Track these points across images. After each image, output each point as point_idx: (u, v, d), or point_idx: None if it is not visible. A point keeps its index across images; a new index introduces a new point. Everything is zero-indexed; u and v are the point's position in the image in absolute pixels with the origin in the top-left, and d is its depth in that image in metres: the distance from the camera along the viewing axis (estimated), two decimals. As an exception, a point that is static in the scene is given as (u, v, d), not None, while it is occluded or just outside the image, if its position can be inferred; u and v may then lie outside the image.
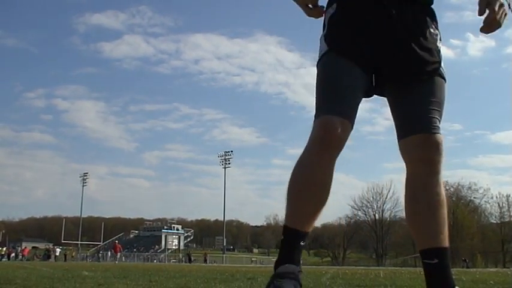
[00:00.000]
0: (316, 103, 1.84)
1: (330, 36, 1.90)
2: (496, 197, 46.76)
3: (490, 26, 1.81)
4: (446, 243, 1.85)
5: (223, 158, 61.78)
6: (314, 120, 1.81)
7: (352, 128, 1.81)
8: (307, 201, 1.79)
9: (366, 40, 1.85)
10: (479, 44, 64.56)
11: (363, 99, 1.93)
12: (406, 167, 1.92)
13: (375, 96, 1.99)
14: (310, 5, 1.91)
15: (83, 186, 74.19)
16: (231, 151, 62.76)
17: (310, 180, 1.77)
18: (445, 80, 1.93)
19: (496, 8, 1.79)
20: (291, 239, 1.77)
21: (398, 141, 1.92)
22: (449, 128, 59.66)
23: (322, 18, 1.97)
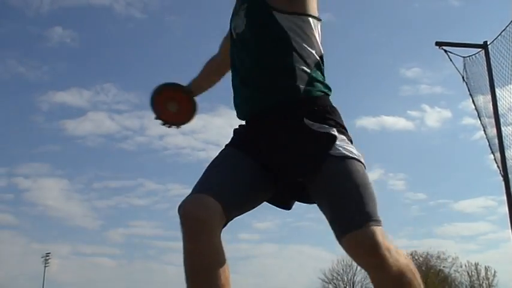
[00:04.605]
0: None
1: (231, 139, 1.86)
2: (465, 265, 46.10)
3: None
4: None
5: (189, 234, 60.34)
6: None
7: (227, 211, 1.58)
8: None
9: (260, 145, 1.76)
10: (436, 114, 66.63)
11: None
12: None
13: None
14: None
15: (45, 267, 70.83)
16: (198, 226, 61.42)
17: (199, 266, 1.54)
18: (356, 159, 1.65)
19: None
20: None
21: None
22: (414, 197, 60.53)
23: None
